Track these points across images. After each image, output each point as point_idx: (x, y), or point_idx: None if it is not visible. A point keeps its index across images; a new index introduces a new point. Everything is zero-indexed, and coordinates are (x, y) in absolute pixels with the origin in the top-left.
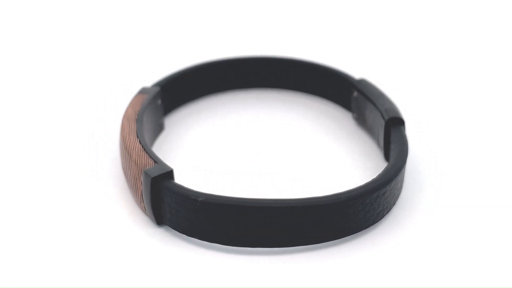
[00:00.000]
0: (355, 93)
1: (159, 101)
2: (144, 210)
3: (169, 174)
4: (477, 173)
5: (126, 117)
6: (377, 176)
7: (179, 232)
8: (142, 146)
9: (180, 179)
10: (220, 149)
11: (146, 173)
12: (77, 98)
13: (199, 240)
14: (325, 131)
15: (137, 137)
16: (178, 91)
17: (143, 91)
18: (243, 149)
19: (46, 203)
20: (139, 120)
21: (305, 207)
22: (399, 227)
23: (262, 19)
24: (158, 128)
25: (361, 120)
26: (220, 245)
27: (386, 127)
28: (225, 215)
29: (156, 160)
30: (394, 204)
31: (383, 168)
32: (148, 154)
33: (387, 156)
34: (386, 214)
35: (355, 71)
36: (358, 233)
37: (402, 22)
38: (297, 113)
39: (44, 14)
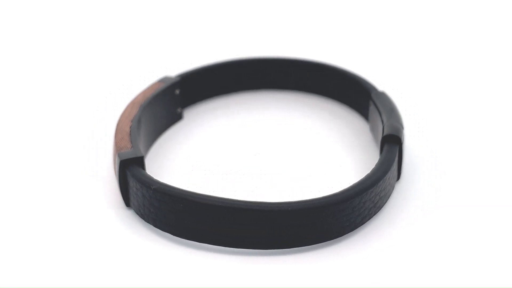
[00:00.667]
0: (371, 105)
1: (177, 91)
2: None
3: (139, 159)
4: (477, 173)
5: (133, 101)
6: (344, 189)
7: (139, 216)
8: (130, 131)
9: (178, 176)
10: (223, 149)
11: (118, 156)
12: (77, 98)
13: (154, 227)
14: (339, 137)
15: (131, 121)
16: (200, 85)
17: (162, 80)
18: (248, 150)
19: (46, 202)
20: (143, 106)
21: (250, 210)
22: (398, 227)
23: (291, 22)
24: (175, 117)
25: (374, 133)
26: (170, 234)
27: (381, 143)
28: (173, 206)
29: (133, 145)
30: (362, 220)
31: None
32: (130, 139)
33: None
34: (361, 223)
35: (356, 70)
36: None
37: (403, 23)
38: (314, 116)
39: (45, 14)
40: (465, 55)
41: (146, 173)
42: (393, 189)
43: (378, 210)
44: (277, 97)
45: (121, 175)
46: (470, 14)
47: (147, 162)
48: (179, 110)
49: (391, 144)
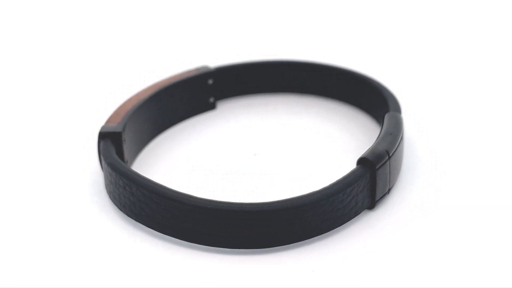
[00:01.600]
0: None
1: (210, 81)
2: None
3: (116, 134)
4: (477, 173)
5: (155, 83)
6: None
7: (105, 186)
8: (130, 108)
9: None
10: (230, 147)
11: (101, 127)
12: (77, 98)
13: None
14: (353, 142)
15: (138, 100)
16: (236, 80)
17: (198, 68)
18: (253, 150)
19: (46, 201)
20: (161, 88)
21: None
22: (397, 226)
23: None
24: (205, 106)
25: None
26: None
27: (356, 164)
28: (118, 183)
29: (122, 121)
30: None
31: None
32: (124, 115)
33: None
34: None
35: (357, 69)
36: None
37: (403, 22)
38: (330, 121)
39: (47, 14)
40: (465, 55)
41: (111, 148)
42: (356, 215)
43: (324, 232)
44: (308, 102)
45: (98, 145)
46: (469, 15)
47: (156, 143)
48: (211, 99)
49: (362, 168)
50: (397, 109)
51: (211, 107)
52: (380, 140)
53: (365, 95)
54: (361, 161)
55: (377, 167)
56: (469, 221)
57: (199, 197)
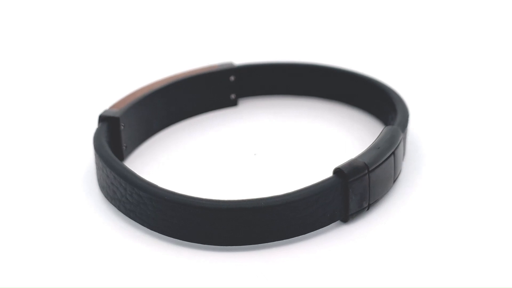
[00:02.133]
0: None
1: (232, 78)
2: None
3: (113, 119)
4: (477, 173)
5: (173, 75)
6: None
7: None
8: (139, 97)
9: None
10: (230, 147)
11: (102, 111)
12: (77, 98)
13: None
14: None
15: (150, 90)
16: (257, 79)
17: (221, 64)
18: (257, 151)
19: (46, 201)
20: (177, 81)
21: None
22: (397, 226)
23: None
24: (226, 102)
25: None
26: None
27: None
28: (99, 165)
29: (125, 107)
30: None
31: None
32: (130, 102)
33: None
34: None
35: (357, 68)
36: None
37: (404, 21)
38: (339, 124)
39: (50, 14)
40: (466, 56)
41: (103, 132)
42: (324, 225)
43: (287, 238)
44: (328, 107)
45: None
46: (469, 16)
47: (164, 134)
48: (233, 96)
49: (335, 178)
50: (403, 124)
51: (233, 103)
52: (363, 152)
53: (382, 105)
54: (336, 172)
55: (351, 179)
56: (469, 220)
57: (160, 186)
